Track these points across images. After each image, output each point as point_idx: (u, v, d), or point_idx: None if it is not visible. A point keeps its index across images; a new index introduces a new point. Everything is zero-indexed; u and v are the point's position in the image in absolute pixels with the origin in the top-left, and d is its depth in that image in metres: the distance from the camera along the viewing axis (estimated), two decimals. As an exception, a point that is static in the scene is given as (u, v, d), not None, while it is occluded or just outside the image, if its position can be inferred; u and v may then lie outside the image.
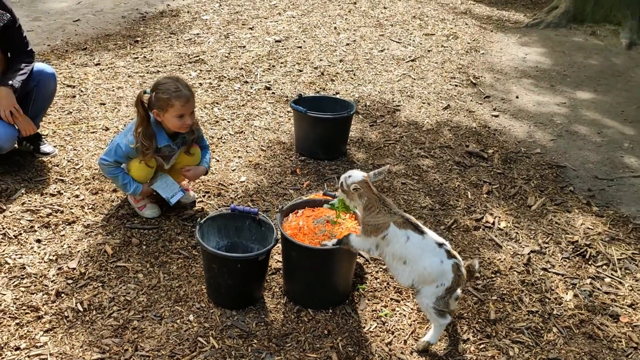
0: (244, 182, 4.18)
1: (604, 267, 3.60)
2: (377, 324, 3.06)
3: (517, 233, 3.86)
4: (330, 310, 3.11)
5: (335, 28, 7.75)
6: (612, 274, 3.53)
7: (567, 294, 3.34)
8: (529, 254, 3.65)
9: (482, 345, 2.95)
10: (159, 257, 3.39)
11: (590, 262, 3.63)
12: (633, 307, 3.30)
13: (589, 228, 3.97)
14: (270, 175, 4.29)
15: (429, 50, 7.24)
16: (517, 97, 6.15)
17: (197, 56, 6.51)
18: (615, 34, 8.04)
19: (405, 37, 7.64)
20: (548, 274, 3.48)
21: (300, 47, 6.97)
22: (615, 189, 4.55)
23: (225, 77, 5.96)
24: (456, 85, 6.27)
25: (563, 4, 8.38)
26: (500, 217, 4.00)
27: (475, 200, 4.19)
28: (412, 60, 6.83)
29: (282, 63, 6.44)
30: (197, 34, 7.32)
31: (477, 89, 6.26)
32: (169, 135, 3.46)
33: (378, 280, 3.36)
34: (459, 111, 5.66)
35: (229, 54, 6.65)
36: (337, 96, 5.31)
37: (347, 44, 7.18)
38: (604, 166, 4.89)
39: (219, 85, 5.77)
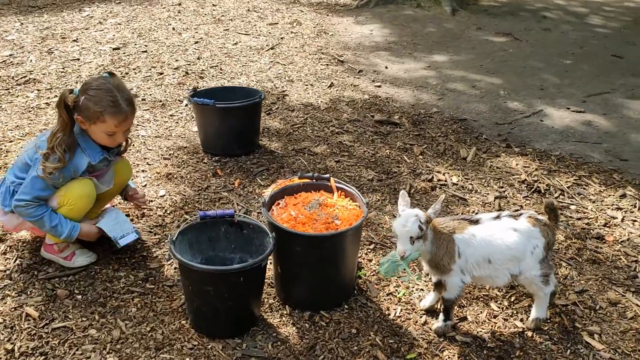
0: (164, 196, 3.46)
1: (561, 197, 3.64)
2: (401, 306, 2.67)
3: (471, 184, 3.75)
4: (346, 306, 2.64)
5: (173, 29, 7.07)
6: (573, 201, 3.58)
7: (550, 227, 3.28)
8: (495, 200, 3.55)
9: (508, 294, 2.74)
10: (106, 303, 2.60)
11: (547, 195, 3.64)
12: (608, 225, 3.36)
13: (525, 167, 4.02)
14: (192, 183, 3.62)
15: (282, 38, 6.95)
16: (386, 68, 6.16)
17: (24, 76, 5.40)
18: (437, 4, 8.56)
19: (251, 29, 7.26)
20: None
21: (146, 51, 6.19)
22: (518, 130, 4.71)
23: (75, 92, 5.00)
24: (327, 65, 6.08)
25: (386, -18, 8.71)
26: (448, 174, 3.86)
27: (414, 163, 4.00)
28: (272, 49, 6.48)
29: (134, 69, 5.64)
30: (11, 54, 6.10)
31: (347, 65, 6.14)
32: (101, 146, 2.67)
33: (372, 262, 2.97)
34: (344, 87, 5.47)
35: (63, 68, 5.64)
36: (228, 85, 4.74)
37: (196, 42, 6.58)
38: (496, 113, 5.05)
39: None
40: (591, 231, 3.27)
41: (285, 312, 2.60)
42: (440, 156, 4.14)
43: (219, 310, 2.35)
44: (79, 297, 2.62)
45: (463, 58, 6.57)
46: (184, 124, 4.48)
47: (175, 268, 2.83)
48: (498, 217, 2.43)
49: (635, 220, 3.39)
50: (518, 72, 6.10)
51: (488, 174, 3.89)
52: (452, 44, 7.11)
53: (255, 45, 6.60)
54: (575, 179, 3.84)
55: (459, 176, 3.83)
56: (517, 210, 2.37)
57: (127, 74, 5.51)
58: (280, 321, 2.55)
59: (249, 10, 8.20)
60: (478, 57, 6.62)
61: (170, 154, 3.98)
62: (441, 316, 2.50)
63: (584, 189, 3.74)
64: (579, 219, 3.40)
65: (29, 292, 2.63)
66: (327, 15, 8.29)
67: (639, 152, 4.33)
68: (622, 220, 3.40)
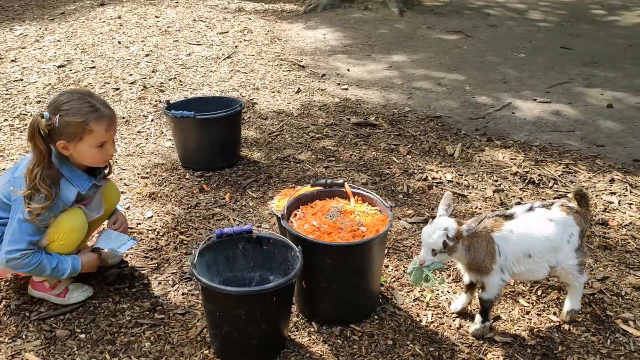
0: (152, 217, 3.20)
1: (555, 185, 3.65)
2: (431, 311, 2.55)
3: (466, 180, 3.69)
4: (376, 317, 2.50)
5: (119, 42, 6.72)
6: (568, 190, 3.58)
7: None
8: (494, 194, 3.51)
9: (534, 288, 2.69)
10: (115, 340, 2.34)
11: (542, 186, 3.63)
12: (607, 210, 3.38)
13: (512, 159, 4.01)
14: (179, 201, 3.38)
15: (236, 46, 6.74)
16: (348, 70, 6.07)
17: (-37, 102, 4.95)
18: (384, 5, 8.59)
19: (202, 39, 7.01)
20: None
21: (94, 67, 5.83)
22: (493, 124, 4.72)
23: (25, 114, 4.62)
24: (289, 70, 5.93)
25: (332, -14, 8.66)
26: (441, 171, 3.79)
27: (404, 163, 3.91)
28: (228, 57, 6.27)
29: (86, 86, 5.28)
30: (-57, 80, 5.60)
31: (308, 70, 6.01)
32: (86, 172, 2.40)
33: (389, 268, 2.84)
34: (312, 92, 5.33)
35: (7, 90, 5.21)
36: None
37: (147, 55, 6.26)
38: (467, 108, 5.06)
39: (26, 124, 4.44)
40: (594, 217, 3.27)
41: (312, 329, 2.43)
42: (427, 154, 4.07)
43: (251, 335, 2.15)
44: (82, 336, 2.35)
45: (421, 57, 6.58)
46: (154, 139, 4.21)
47: (183, 294, 2.60)
48: (531, 208, 2.36)
49: (631, 204, 3.43)
50: (478, 68, 6.16)
51: (479, 168, 3.85)
52: (407, 43, 7.12)
53: (211, 55, 6.36)
54: (563, 168, 3.86)
55: (452, 173, 3.77)
56: (547, 200, 2.33)
57: (80, 91, 5.14)
58: (310, 340, 2.37)
59: (195, 20, 7.93)
60: (436, 55, 6.65)
61: (147, 173, 3.71)
62: (478, 317, 2.39)
63: (574, 176, 3.76)
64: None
65: (24, 336, 2.33)
66: (276, 21, 8.14)
67: (612, 138, 4.42)
68: (619, 204, 3.43)
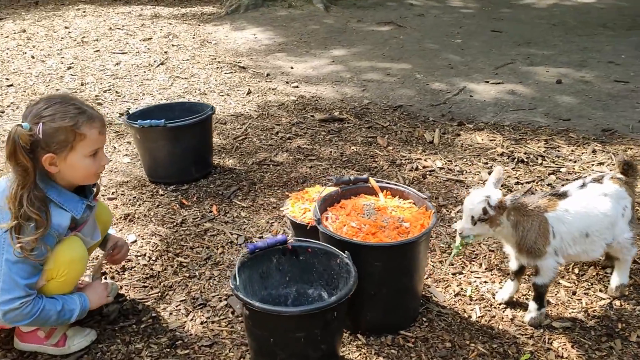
0: (137, 241, 2.80)
1: (544, 161, 3.61)
2: (477, 305, 2.37)
3: (457, 166, 3.57)
4: (424, 319, 2.28)
5: (32, 57, 6.06)
6: (558, 163, 3.55)
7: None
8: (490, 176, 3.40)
9: (569, 266, 2.59)
10: (140, 389, 1.96)
11: (532, 164, 3.58)
12: (602, 179, 3.37)
13: (491, 140, 3.95)
14: (161, 220, 2.99)
15: (165, 52, 6.29)
16: (292, 68, 5.83)
17: None
18: (308, 2, 8.42)
19: (126, 47, 6.49)
20: (526, 186, 3.29)
21: (11, 84, 5.20)
22: (456, 108, 4.66)
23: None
24: (231, 73, 5.59)
25: (252, -15, 8.36)
26: (430, 159, 3.65)
27: (388, 155, 3.73)
28: (162, 64, 5.82)
29: (9, 106, 4.68)
30: None
31: (251, 71, 5.71)
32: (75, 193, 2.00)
33: (415, 264, 2.63)
34: (263, 92, 5.04)
35: None
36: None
37: (69, 67, 5.68)
38: (425, 96, 4.97)
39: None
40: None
41: (360, 342, 2.17)
42: (407, 144, 3.92)
43: (310, 357, 1.86)
44: (98, 391, 1.95)
45: (361, 49, 6.45)
46: (109, 156, 3.74)
47: (202, 323, 2.26)
48: (584, 185, 2.23)
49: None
50: (420, 56, 6.12)
51: (464, 153, 3.75)
52: (341, 37, 6.98)
53: (141, 62, 5.88)
54: (544, 144, 3.84)
55: (441, 160, 3.63)
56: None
57: (2, 112, 4.54)
58: (361, 354, 2.11)
59: (111, 28, 7.37)
60: (375, 46, 6.55)
61: (113, 193, 3.28)
62: (533, 305, 2.24)
63: (558, 151, 3.75)
64: (575, 179, 3.36)
65: (23, 406, 1.89)
66: (199, 25, 7.73)
67: (573, 111, 4.48)
68: (611, 173, 3.43)
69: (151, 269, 2.59)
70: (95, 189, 2.13)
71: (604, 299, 2.38)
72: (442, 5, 8.71)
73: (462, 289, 2.46)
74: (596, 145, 3.79)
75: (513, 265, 2.30)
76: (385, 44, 6.63)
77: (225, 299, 2.39)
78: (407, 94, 4.99)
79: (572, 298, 2.40)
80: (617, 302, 2.36)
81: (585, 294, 2.42)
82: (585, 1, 8.48)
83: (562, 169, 3.47)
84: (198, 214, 3.04)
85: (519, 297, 2.40)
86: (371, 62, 5.97)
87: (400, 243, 2.02)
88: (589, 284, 2.48)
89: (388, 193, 2.38)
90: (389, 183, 2.40)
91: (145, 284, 2.48)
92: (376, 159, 3.66)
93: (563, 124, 4.22)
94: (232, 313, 2.31)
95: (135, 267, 2.60)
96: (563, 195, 2.19)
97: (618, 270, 2.37)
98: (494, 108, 4.61)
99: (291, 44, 6.73)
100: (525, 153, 3.69)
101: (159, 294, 2.42)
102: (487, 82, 5.22)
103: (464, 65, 5.76)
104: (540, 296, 2.22)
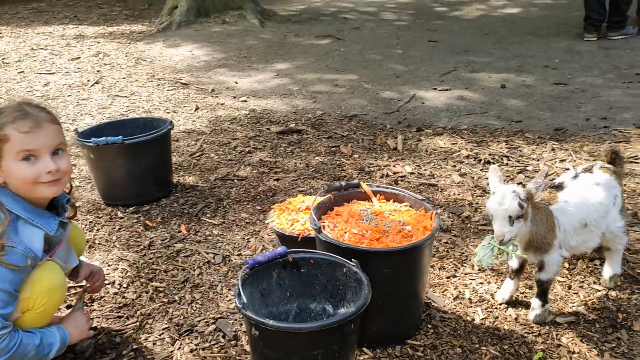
0: (104, 267, 2.53)
1: (509, 161, 3.63)
2: (478, 307, 2.30)
3: (425, 170, 3.53)
4: (429, 326, 2.18)
5: (-51, 81, 5.56)
6: (523, 162, 3.59)
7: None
8: (462, 178, 3.38)
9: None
10: None
11: (498, 164, 3.60)
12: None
13: (454, 143, 3.95)
14: (125, 245, 2.74)
15: (98, 71, 5.96)
16: (236, 83, 5.66)
17: None
18: (242, 18, 8.27)
19: (53, 67, 6.10)
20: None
21: None
22: (410, 115, 4.66)
23: None
24: (174, 89, 5.36)
25: (183, 2, 8.11)
26: (398, 164, 3.59)
27: (355, 163, 3.64)
28: (97, 83, 5.49)
29: None
30: None
31: (194, 87, 5.49)
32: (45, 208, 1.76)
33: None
34: (212, 107, 4.84)
35: None
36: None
37: (-6, 90, 5.25)
38: (378, 104, 4.94)
39: None
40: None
41: (367, 355, 2.04)
42: (371, 151, 3.85)
43: (327, 379, 1.71)
44: None
45: (304, 62, 6.37)
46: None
47: (191, 350, 2.05)
48: (576, 176, 2.22)
49: (584, 167, 3.51)
50: (365, 66, 6.11)
51: (431, 157, 3.72)
52: (282, 52, 6.88)
53: (73, 82, 5.52)
54: (505, 145, 3.88)
55: (409, 165, 3.58)
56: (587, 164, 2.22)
57: None
58: (372, 370, 1.97)
59: (33, 49, 6.92)
60: (317, 59, 6.49)
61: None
62: (537, 301, 2.19)
63: (520, 150, 3.79)
64: (550, 174, 3.40)
65: None
66: (130, 43, 7.40)
67: (522, 114, 4.58)
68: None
69: (123, 297, 2.34)
70: (69, 206, 1.89)
71: (600, 291, 2.37)
72: (376, 18, 8.81)
73: (460, 291, 2.38)
74: (554, 144, 3.86)
75: (514, 263, 2.24)
76: (327, 56, 6.59)
77: (213, 323, 2.19)
78: (360, 104, 4.94)
79: (568, 292, 2.37)
80: (613, 293, 2.35)
81: (580, 287, 2.40)
82: (510, 12, 8.83)
83: (528, 168, 3.50)
84: (166, 234, 2.81)
85: (517, 295, 2.34)
86: (317, 74, 5.90)
87: (410, 247, 1.91)
88: (582, 276, 2.47)
89: (382, 197, 2.27)
90: (378, 187, 2.30)
91: (120, 314, 2.23)
92: (344, 168, 3.56)
93: (517, 126, 4.30)
94: (224, 337, 2.11)
95: (104, 296, 2.35)
96: (559, 187, 2.16)
97: (610, 260, 2.37)
98: (448, 113, 4.64)
99: (231, 59, 6.55)
100: (490, 154, 3.71)
101: (137, 323, 2.19)
102: (435, 89, 5.26)
103: (408, 74, 5.80)
104: (544, 292, 2.17)
